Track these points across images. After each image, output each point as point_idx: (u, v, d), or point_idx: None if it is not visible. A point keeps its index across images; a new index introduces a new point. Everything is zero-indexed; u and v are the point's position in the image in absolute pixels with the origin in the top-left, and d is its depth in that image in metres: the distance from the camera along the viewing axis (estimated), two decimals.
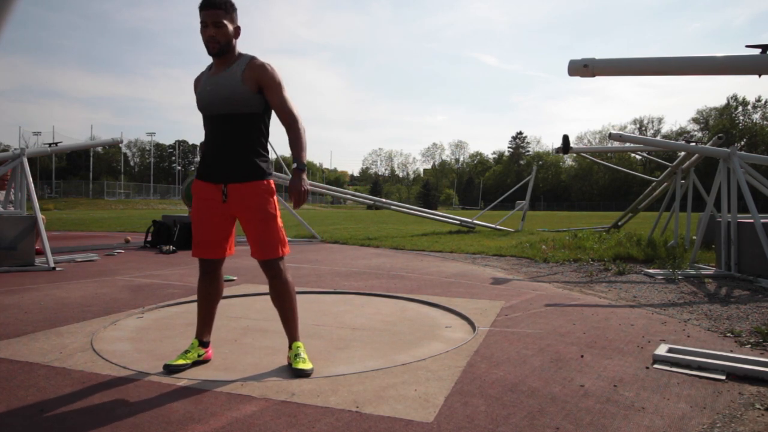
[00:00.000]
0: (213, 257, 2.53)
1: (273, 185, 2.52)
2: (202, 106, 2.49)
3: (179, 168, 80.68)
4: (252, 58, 2.46)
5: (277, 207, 2.51)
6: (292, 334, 2.56)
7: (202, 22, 2.37)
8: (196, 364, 2.50)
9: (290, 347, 2.53)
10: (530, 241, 9.39)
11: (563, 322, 3.47)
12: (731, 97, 74.85)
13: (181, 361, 2.44)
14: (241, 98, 2.40)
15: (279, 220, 2.49)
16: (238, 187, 2.42)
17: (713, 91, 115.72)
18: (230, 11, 2.41)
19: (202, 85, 2.51)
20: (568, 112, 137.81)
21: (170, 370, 2.39)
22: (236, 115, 2.42)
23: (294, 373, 2.37)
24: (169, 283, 5.10)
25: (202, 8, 2.36)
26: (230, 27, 2.40)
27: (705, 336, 3.13)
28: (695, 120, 78.61)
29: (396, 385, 2.25)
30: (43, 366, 2.48)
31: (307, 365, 2.41)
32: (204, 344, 2.58)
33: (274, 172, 2.79)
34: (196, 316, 2.63)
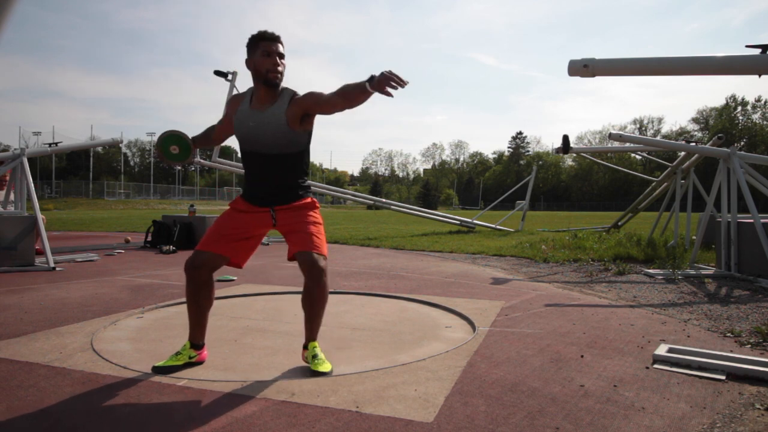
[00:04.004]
0: (213, 251, 2.44)
1: (316, 202, 2.60)
2: (244, 142, 2.51)
3: (179, 168, 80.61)
4: (293, 94, 2.47)
5: (321, 220, 2.56)
6: (312, 334, 2.51)
7: (264, 51, 2.40)
8: (189, 366, 2.47)
9: (306, 347, 2.50)
10: (530, 241, 9.40)
11: (563, 322, 3.47)
12: (729, 98, 75.01)
13: (170, 363, 2.42)
14: (288, 141, 2.46)
15: (323, 231, 2.53)
16: (284, 207, 2.51)
17: (713, 91, 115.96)
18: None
19: (243, 117, 2.49)
20: (568, 112, 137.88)
21: (159, 371, 2.38)
22: (282, 155, 2.48)
23: (312, 374, 2.35)
24: (169, 283, 5.10)
25: (270, 39, 2.41)
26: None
27: (705, 336, 3.13)
28: (695, 120, 78.74)
29: (396, 385, 2.25)
30: (43, 366, 2.48)
31: (325, 367, 2.39)
32: (197, 347, 2.53)
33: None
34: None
